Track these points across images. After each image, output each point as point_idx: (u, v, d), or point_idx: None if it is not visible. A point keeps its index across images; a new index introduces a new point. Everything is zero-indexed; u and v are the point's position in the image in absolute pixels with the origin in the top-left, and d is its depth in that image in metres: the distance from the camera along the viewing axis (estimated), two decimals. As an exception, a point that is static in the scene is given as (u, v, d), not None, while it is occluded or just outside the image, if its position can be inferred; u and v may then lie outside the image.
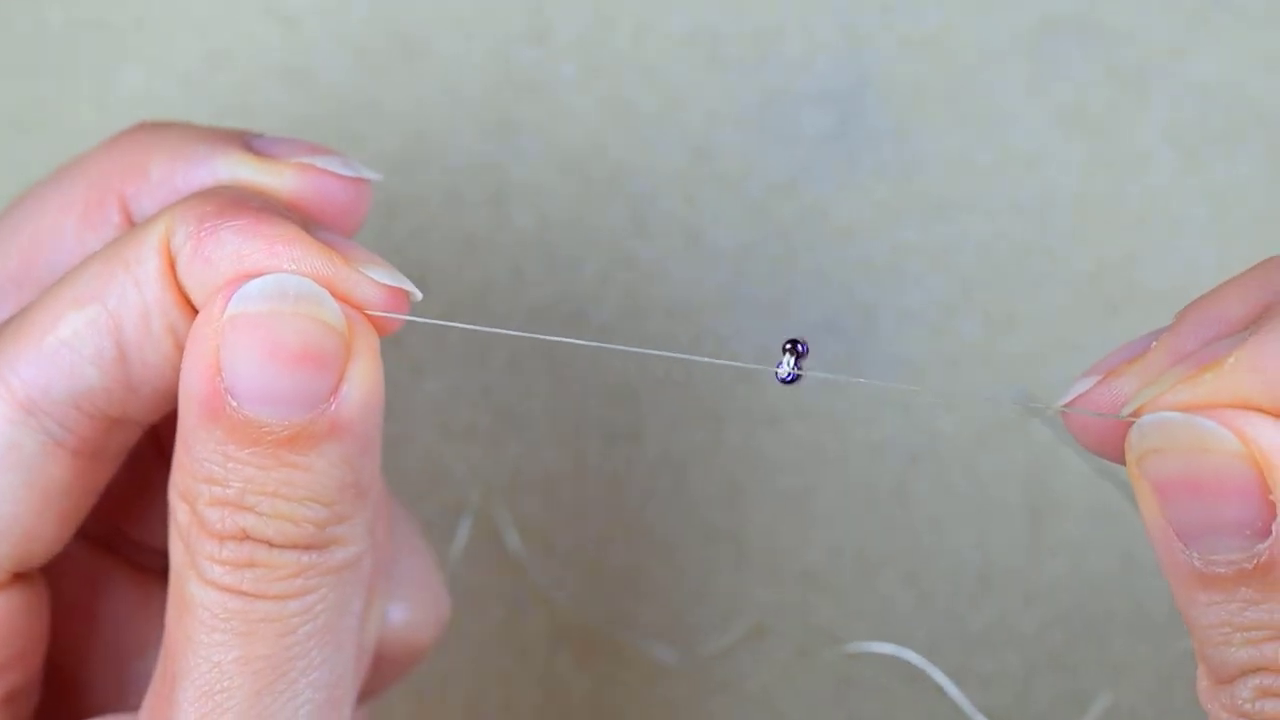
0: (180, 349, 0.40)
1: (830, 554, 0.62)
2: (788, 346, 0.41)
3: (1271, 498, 0.34)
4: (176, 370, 0.40)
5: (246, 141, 0.44)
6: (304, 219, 0.41)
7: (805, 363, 0.41)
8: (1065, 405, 0.39)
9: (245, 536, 0.39)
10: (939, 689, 0.61)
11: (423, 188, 0.60)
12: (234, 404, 0.38)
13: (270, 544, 0.39)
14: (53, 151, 0.60)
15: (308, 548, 0.39)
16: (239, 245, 0.39)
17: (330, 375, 0.39)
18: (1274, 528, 0.34)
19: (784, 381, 0.41)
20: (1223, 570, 0.35)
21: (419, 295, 0.42)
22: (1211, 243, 0.60)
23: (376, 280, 0.40)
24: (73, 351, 0.40)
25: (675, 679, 0.62)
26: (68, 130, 0.60)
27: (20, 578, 0.42)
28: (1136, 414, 0.35)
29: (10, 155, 0.61)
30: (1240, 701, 0.36)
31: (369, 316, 0.40)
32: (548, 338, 0.44)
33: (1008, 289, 0.60)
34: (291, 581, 0.39)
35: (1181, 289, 0.60)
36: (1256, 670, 0.35)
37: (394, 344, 0.61)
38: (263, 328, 0.39)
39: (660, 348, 0.61)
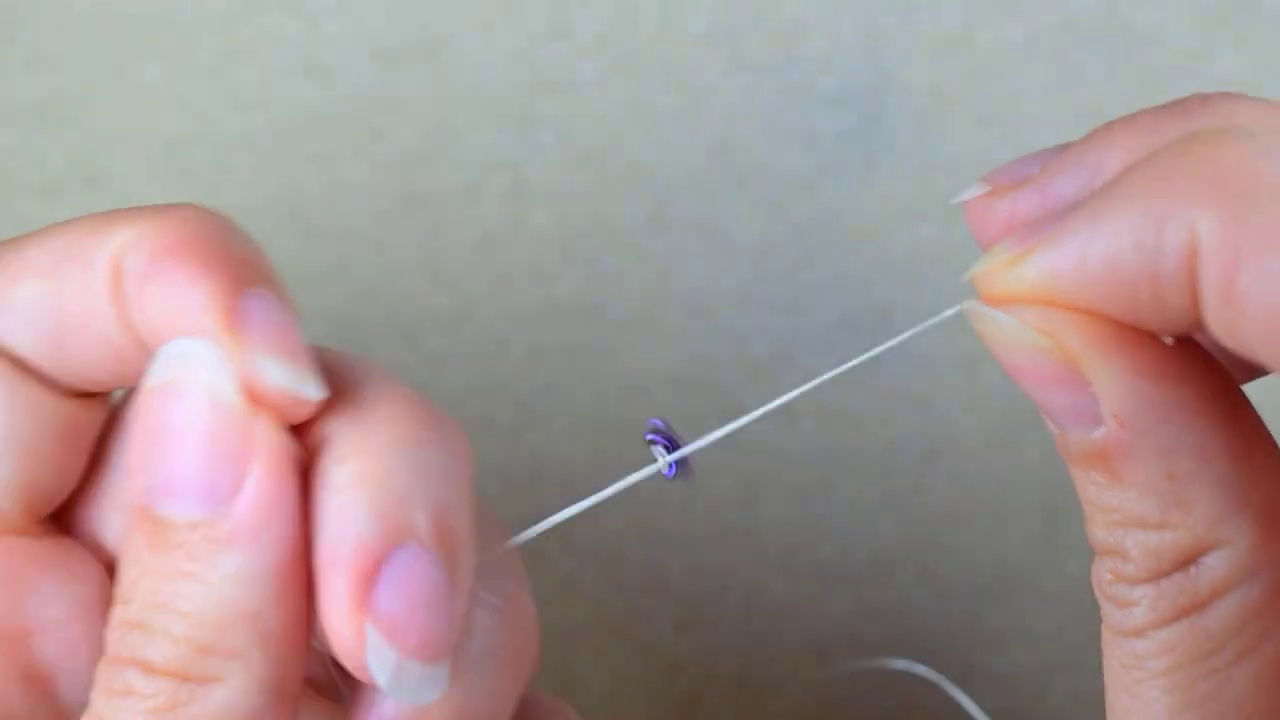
0: (116, 357, 0.38)
1: (845, 551, 0.62)
2: (650, 439, 0.39)
3: (1093, 390, 0.34)
4: (108, 365, 0.38)
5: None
6: (255, 273, 0.38)
7: (675, 436, 0.38)
8: (958, 201, 0.39)
9: (131, 661, 0.36)
10: (951, 698, 0.62)
11: (442, 183, 0.60)
12: (145, 502, 0.36)
13: (146, 667, 0.36)
14: (73, 144, 0.61)
15: (182, 678, 0.35)
16: (175, 299, 0.36)
17: (230, 467, 0.35)
18: (1104, 416, 0.34)
19: (672, 477, 0.39)
20: (1074, 452, 0.35)
21: (315, 397, 0.37)
22: (1229, 244, 0.60)
23: (275, 376, 0.36)
24: (17, 315, 0.39)
25: (692, 675, 0.62)
26: (88, 125, 0.61)
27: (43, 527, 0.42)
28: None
29: (32, 149, 0.61)
30: (1101, 581, 0.36)
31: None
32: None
33: (1026, 289, 0.60)
34: (156, 716, 0.36)
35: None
36: (1109, 553, 0.35)
37: (407, 336, 0.61)
38: (149, 409, 0.36)
39: (676, 344, 0.61)
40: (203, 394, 0.36)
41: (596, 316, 0.61)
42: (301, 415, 0.36)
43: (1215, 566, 0.34)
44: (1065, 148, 0.37)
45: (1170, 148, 0.33)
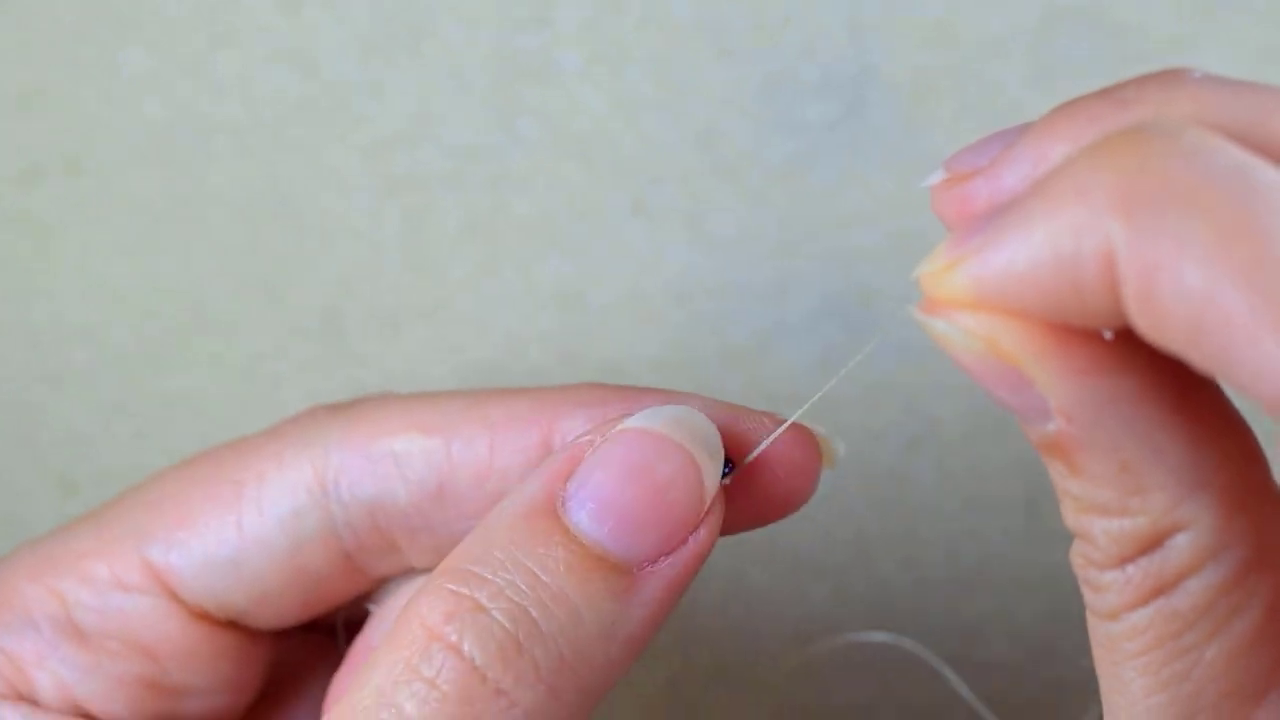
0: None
1: (827, 539, 0.62)
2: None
3: (1037, 389, 0.34)
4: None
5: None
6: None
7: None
8: (930, 183, 0.39)
9: (475, 647, 0.35)
10: (934, 676, 0.62)
11: (423, 171, 0.60)
12: (561, 508, 0.36)
13: (463, 658, 0.35)
14: (56, 135, 0.60)
15: (499, 692, 0.35)
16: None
17: (667, 531, 0.36)
18: (1053, 411, 0.34)
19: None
20: (1035, 444, 0.35)
21: (839, 452, 0.40)
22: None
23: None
24: (398, 466, 0.40)
25: (669, 663, 0.62)
26: (71, 112, 0.60)
27: (238, 628, 0.42)
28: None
29: (14, 137, 0.61)
30: (1076, 566, 0.36)
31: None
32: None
33: (1008, 278, 0.60)
34: (443, 716, 0.35)
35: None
36: (1080, 538, 0.36)
37: (389, 324, 0.61)
38: (643, 444, 0.37)
39: (658, 332, 0.61)
40: (693, 465, 0.36)
41: (578, 304, 0.61)
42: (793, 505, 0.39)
43: (1180, 548, 0.34)
44: (1020, 131, 0.37)
45: (1088, 153, 0.33)
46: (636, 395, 0.39)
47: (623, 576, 0.36)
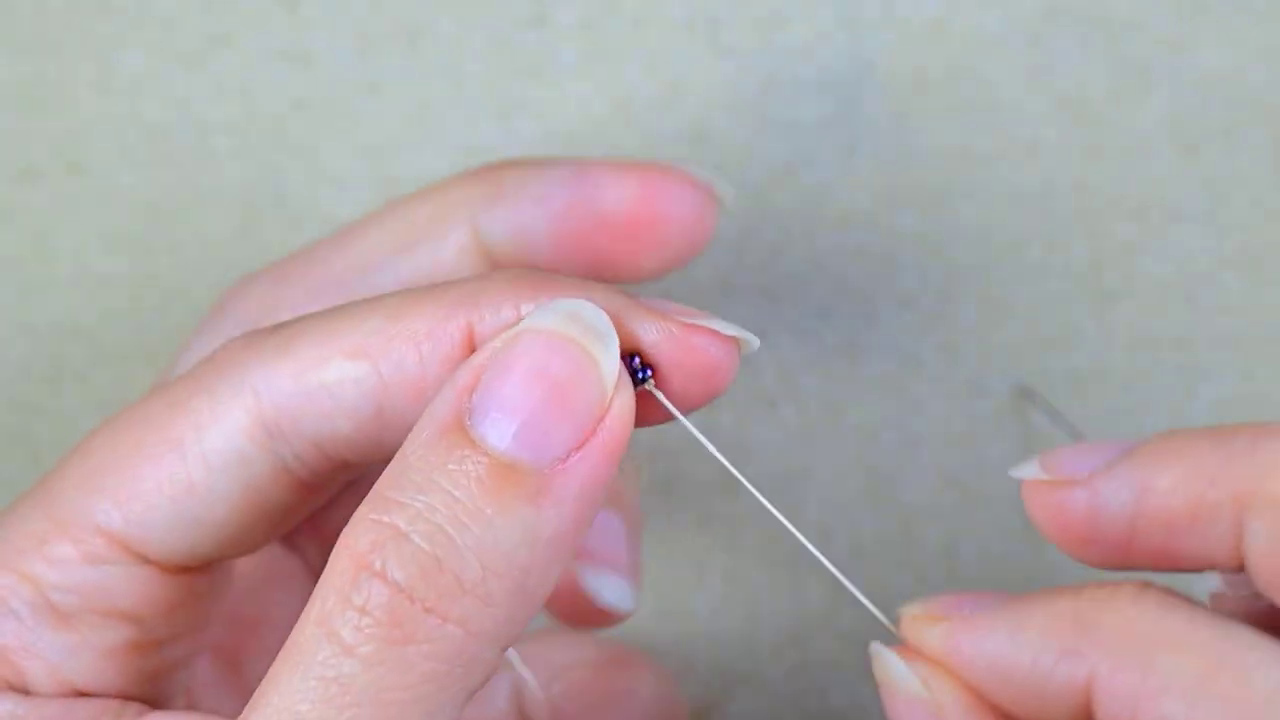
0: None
1: (822, 538, 0.62)
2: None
3: None
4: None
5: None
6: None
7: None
8: (1023, 476, 0.43)
9: (379, 573, 0.36)
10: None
11: (421, 170, 0.60)
12: (468, 422, 0.36)
13: (393, 586, 0.36)
14: (53, 133, 0.60)
15: (426, 609, 0.36)
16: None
17: (570, 428, 0.37)
18: None
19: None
20: None
21: (754, 342, 0.40)
22: (1210, 234, 0.60)
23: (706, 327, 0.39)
24: (331, 399, 0.40)
25: (667, 663, 0.62)
26: (69, 111, 0.60)
27: (215, 567, 0.43)
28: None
29: (10, 136, 0.61)
30: None
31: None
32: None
33: (1005, 277, 0.60)
34: (384, 644, 0.36)
35: (1178, 278, 0.60)
36: None
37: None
38: (536, 345, 0.37)
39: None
40: (588, 358, 0.37)
41: (575, 303, 0.61)
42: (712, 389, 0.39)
43: None
44: (1121, 450, 0.41)
45: (1094, 596, 0.38)
46: (546, 283, 0.39)
47: (534, 479, 0.36)
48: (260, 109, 0.60)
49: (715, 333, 0.40)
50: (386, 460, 0.38)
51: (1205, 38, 0.59)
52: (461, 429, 0.36)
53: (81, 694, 0.41)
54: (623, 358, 0.38)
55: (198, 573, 0.42)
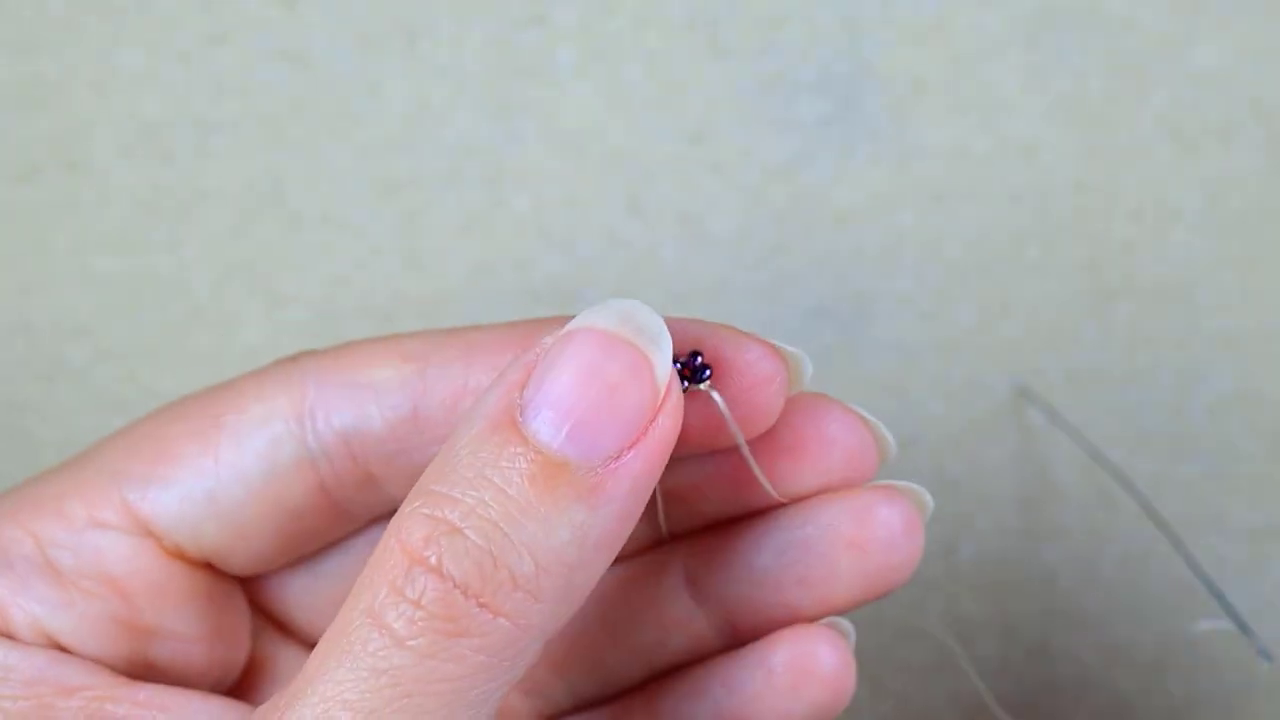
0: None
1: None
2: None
3: None
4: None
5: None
6: None
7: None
8: None
9: (433, 567, 0.36)
10: (927, 674, 0.62)
11: (421, 168, 0.60)
12: (519, 419, 0.36)
13: (444, 577, 0.36)
14: (52, 132, 0.61)
15: (479, 604, 0.36)
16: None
17: (623, 429, 0.37)
18: None
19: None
20: None
21: (808, 366, 0.41)
22: (1207, 234, 0.60)
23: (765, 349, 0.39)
24: (375, 395, 0.40)
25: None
26: (68, 110, 0.61)
27: (214, 571, 0.43)
28: None
29: (9, 136, 0.61)
30: None
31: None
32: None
33: (1002, 277, 0.60)
34: (436, 636, 0.36)
35: (1176, 278, 0.60)
36: None
37: (385, 322, 0.61)
38: (590, 344, 0.37)
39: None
40: (642, 359, 0.37)
41: (573, 302, 0.61)
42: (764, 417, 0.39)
43: None
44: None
45: None
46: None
47: (586, 477, 0.36)
48: (259, 108, 0.60)
49: (771, 345, 0.40)
50: (411, 481, 0.38)
51: (1203, 37, 0.59)
52: (514, 425, 0.36)
53: (61, 649, 0.41)
54: (683, 357, 0.39)
55: (200, 568, 0.42)
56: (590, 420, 0.36)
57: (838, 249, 0.60)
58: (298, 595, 0.46)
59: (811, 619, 0.43)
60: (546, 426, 0.36)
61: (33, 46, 0.60)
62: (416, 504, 0.37)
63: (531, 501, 0.36)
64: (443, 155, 0.60)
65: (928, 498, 0.43)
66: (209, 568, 0.43)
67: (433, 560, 0.36)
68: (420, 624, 0.36)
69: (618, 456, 0.37)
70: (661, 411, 0.37)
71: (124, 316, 0.62)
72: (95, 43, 0.60)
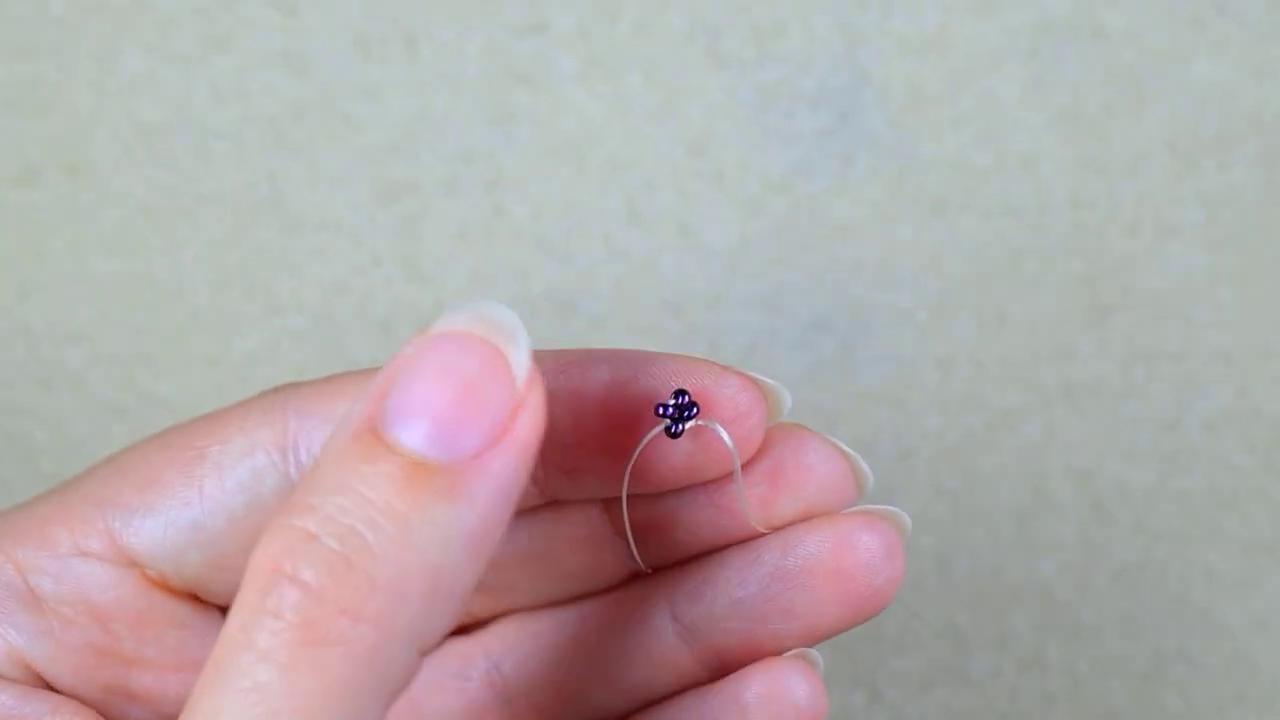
0: None
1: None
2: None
3: None
4: None
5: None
6: None
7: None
8: None
9: (292, 577, 0.35)
10: (925, 687, 0.62)
11: (419, 175, 0.60)
12: (381, 424, 0.36)
13: (305, 589, 0.35)
14: (52, 135, 0.60)
15: (339, 612, 0.35)
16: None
17: (482, 426, 0.36)
18: None
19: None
20: None
21: (787, 398, 0.41)
22: (1204, 247, 0.60)
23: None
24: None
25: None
26: (67, 113, 0.60)
27: (196, 601, 0.43)
28: None
29: (9, 137, 0.61)
30: None
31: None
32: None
33: (1000, 289, 0.60)
34: (297, 648, 0.35)
35: (1173, 293, 0.61)
36: None
37: (383, 329, 0.61)
38: (445, 345, 0.36)
39: (651, 340, 0.61)
40: (497, 355, 0.36)
41: (571, 311, 0.61)
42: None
43: None
44: None
45: None
46: (584, 356, 0.40)
47: (446, 477, 0.36)
48: (258, 113, 0.60)
49: (750, 379, 0.40)
50: None
51: (1200, 52, 0.59)
52: (374, 432, 0.36)
53: (35, 675, 0.41)
54: (669, 396, 0.40)
55: (181, 598, 0.42)
56: (448, 420, 0.36)
57: (836, 261, 0.60)
58: None
59: (797, 646, 0.43)
60: (406, 430, 0.36)
61: (33, 49, 0.60)
62: (279, 518, 0.36)
63: (391, 504, 0.36)
64: (442, 162, 0.60)
65: (906, 520, 0.43)
66: (192, 597, 0.43)
67: (288, 569, 0.35)
68: (282, 636, 0.35)
69: (479, 454, 0.37)
70: (523, 408, 0.37)
71: (122, 320, 0.62)
72: (95, 46, 0.60)
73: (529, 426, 0.37)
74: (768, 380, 0.41)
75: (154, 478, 0.42)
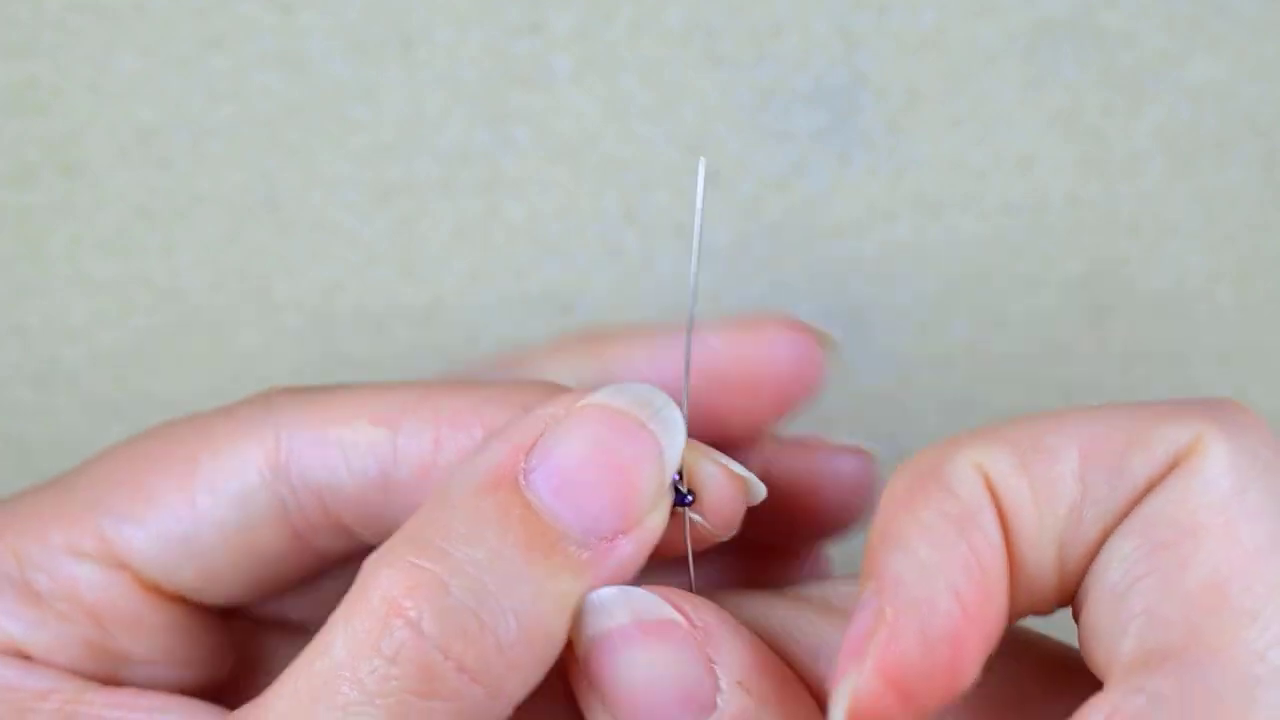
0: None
1: (816, 551, 0.62)
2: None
3: None
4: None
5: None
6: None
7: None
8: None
9: (407, 621, 0.35)
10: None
11: (415, 175, 0.60)
12: (523, 482, 0.36)
13: (417, 630, 0.35)
14: (47, 136, 0.60)
15: (460, 669, 0.35)
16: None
17: (624, 510, 0.36)
18: None
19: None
20: None
21: (760, 492, 0.40)
22: (1202, 248, 0.60)
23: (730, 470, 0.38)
24: (343, 454, 0.40)
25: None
26: (63, 113, 0.60)
27: (188, 604, 0.43)
28: None
29: (5, 138, 0.61)
30: None
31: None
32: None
33: (998, 290, 0.60)
34: (409, 695, 0.35)
35: (1171, 293, 0.60)
36: None
37: (378, 329, 0.61)
38: (607, 422, 0.37)
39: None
40: (655, 445, 0.36)
41: (567, 311, 0.61)
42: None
43: None
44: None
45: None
46: (581, 395, 0.39)
47: (581, 552, 0.36)
48: (254, 113, 0.60)
49: (728, 469, 0.40)
50: (384, 535, 0.38)
51: (1198, 52, 0.59)
52: (515, 486, 0.36)
53: (26, 658, 0.42)
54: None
55: (173, 601, 0.42)
56: (595, 496, 0.36)
57: (834, 261, 0.60)
58: (292, 596, 0.46)
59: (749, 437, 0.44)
60: (552, 495, 0.36)
61: (28, 50, 0.60)
62: (402, 549, 0.36)
63: (525, 567, 0.35)
64: (438, 162, 0.60)
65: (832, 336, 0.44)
66: (183, 600, 0.43)
67: (412, 614, 0.35)
68: (394, 682, 0.35)
69: (612, 538, 0.36)
70: (662, 499, 0.37)
71: (118, 321, 0.62)
72: (91, 46, 0.60)
73: (657, 526, 0.37)
74: (744, 471, 0.41)
75: (147, 488, 0.42)
